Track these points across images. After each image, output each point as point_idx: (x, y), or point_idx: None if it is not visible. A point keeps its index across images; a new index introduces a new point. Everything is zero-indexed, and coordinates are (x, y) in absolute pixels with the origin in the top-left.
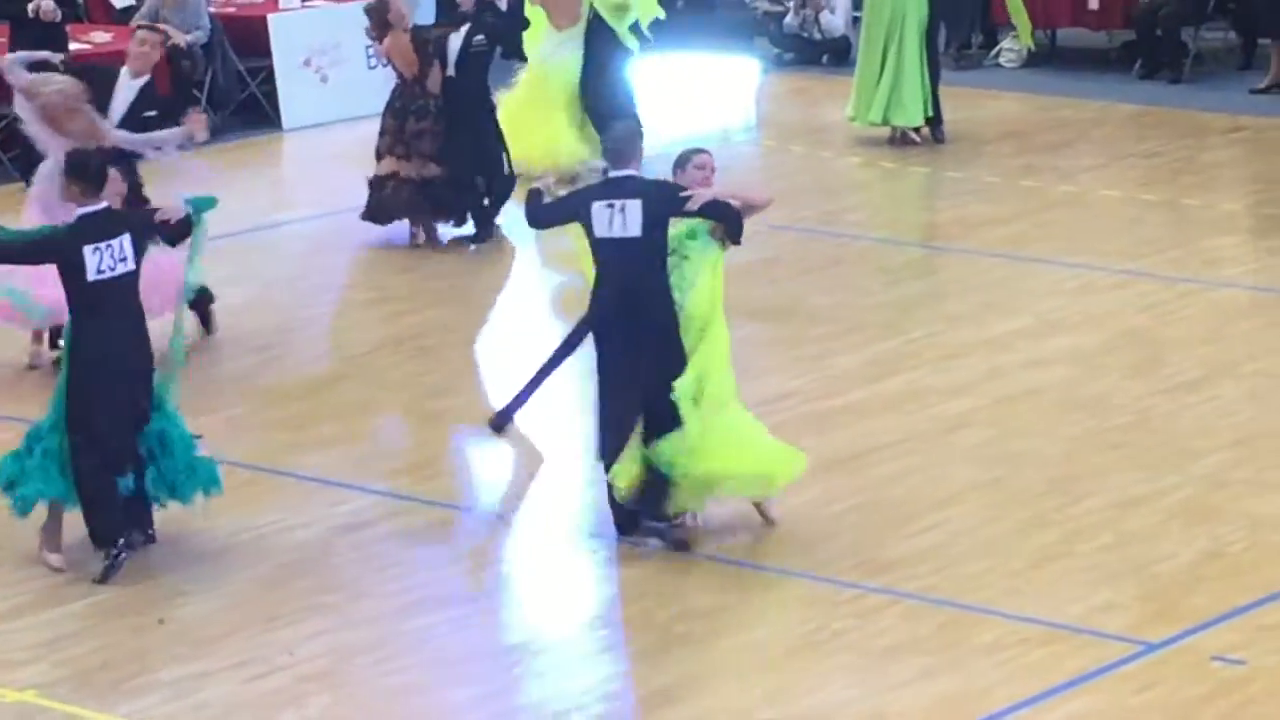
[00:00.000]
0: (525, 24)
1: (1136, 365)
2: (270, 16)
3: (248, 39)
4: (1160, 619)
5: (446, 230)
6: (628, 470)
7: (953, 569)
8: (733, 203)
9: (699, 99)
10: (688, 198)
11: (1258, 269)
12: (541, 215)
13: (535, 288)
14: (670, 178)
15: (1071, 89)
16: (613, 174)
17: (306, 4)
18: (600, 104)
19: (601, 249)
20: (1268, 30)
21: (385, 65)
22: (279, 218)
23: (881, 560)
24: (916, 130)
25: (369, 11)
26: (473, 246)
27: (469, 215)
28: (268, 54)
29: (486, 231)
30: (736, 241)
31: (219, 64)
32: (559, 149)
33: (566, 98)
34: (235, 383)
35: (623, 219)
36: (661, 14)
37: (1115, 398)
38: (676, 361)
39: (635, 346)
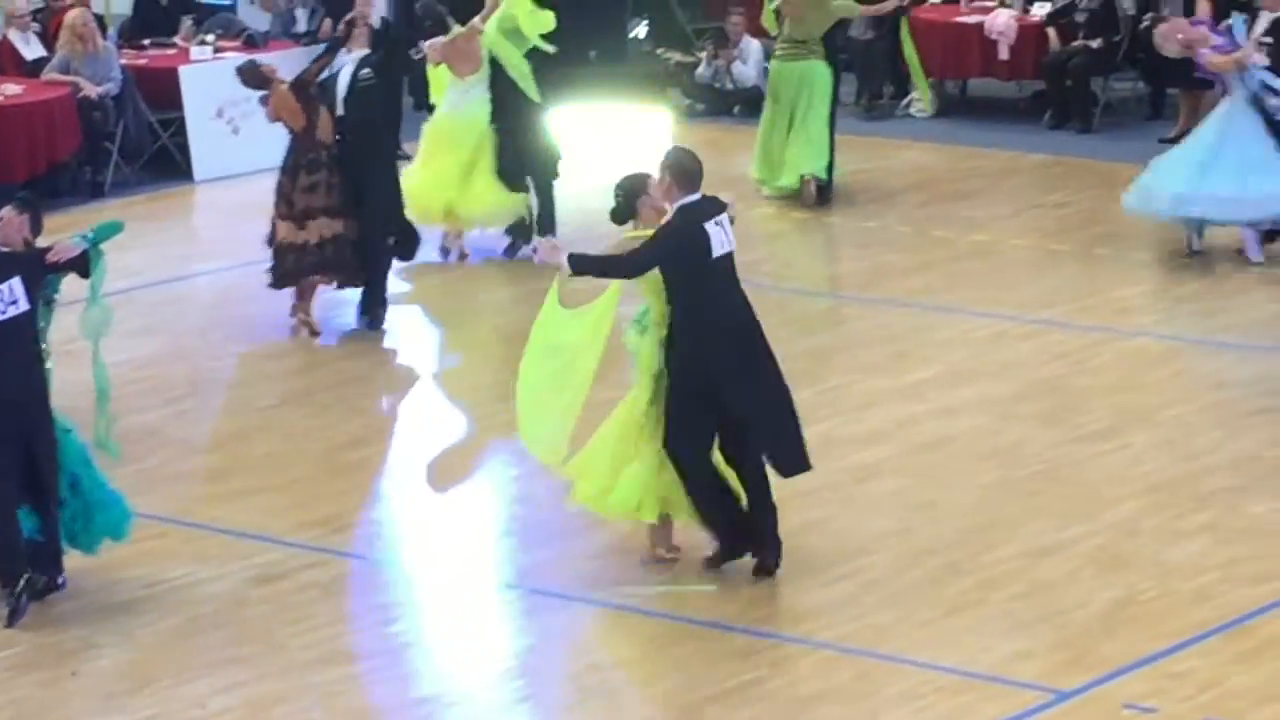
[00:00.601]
0: (415, 63)
1: (1048, 414)
2: (181, 68)
3: (159, 91)
4: (1072, 667)
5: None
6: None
7: (867, 618)
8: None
9: (611, 149)
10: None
11: (1168, 318)
12: (650, 255)
13: (445, 338)
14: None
15: (982, 139)
16: (693, 198)
17: (218, 55)
18: (510, 154)
19: (714, 269)
20: (1175, 80)
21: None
22: (190, 269)
23: (796, 610)
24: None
25: (242, 75)
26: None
27: (369, 281)
28: (179, 106)
29: (377, 319)
30: None
31: (130, 116)
32: (476, 201)
33: (477, 147)
34: (147, 434)
35: (726, 234)
36: (550, 24)
37: (1027, 447)
38: None
39: (763, 354)
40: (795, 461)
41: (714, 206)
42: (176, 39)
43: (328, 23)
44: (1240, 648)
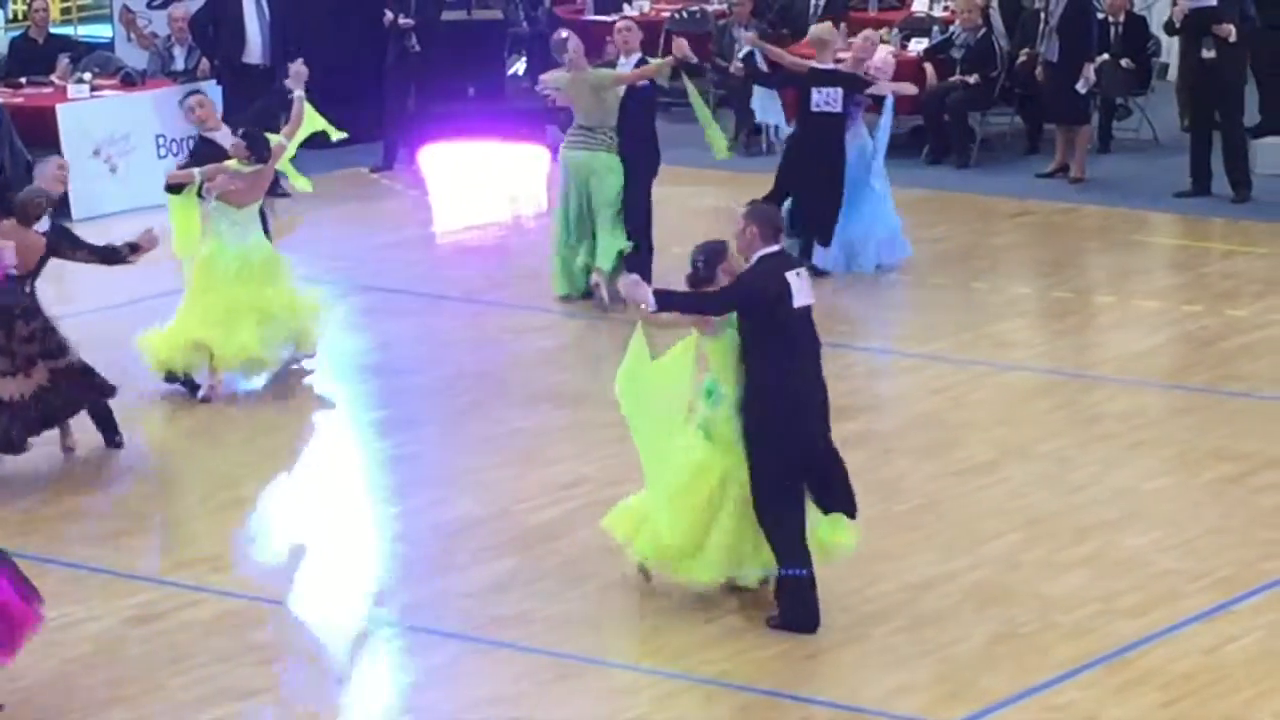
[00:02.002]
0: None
1: (928, 448)
2: (59, 106)
3: (36, 129)
4: (954, 700)
5: None
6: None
7: (749, 653)
8: None
9: (491, 186)
10: None
11: (1046, 351)
12: (735, 292)
13: (322, 378)
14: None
15: None
16: (774, 248)
17: (95, 94)
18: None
19: (795, 319)
20: (1052, 115)
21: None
22: (65, 310)
23: (677, 645)
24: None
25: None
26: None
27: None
28: (56, 144)
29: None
30: None
31: (7, 154)
32: (238, 349)
33: (257, 290)
34: (23, 475)
35: (805, 285)
36: (334, 133)
37: (907, 480)
38: None
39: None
40: (851, 503)
41: (794, 260)
42: (53, 77)
43: (205, 62)
44: (1119, 680)
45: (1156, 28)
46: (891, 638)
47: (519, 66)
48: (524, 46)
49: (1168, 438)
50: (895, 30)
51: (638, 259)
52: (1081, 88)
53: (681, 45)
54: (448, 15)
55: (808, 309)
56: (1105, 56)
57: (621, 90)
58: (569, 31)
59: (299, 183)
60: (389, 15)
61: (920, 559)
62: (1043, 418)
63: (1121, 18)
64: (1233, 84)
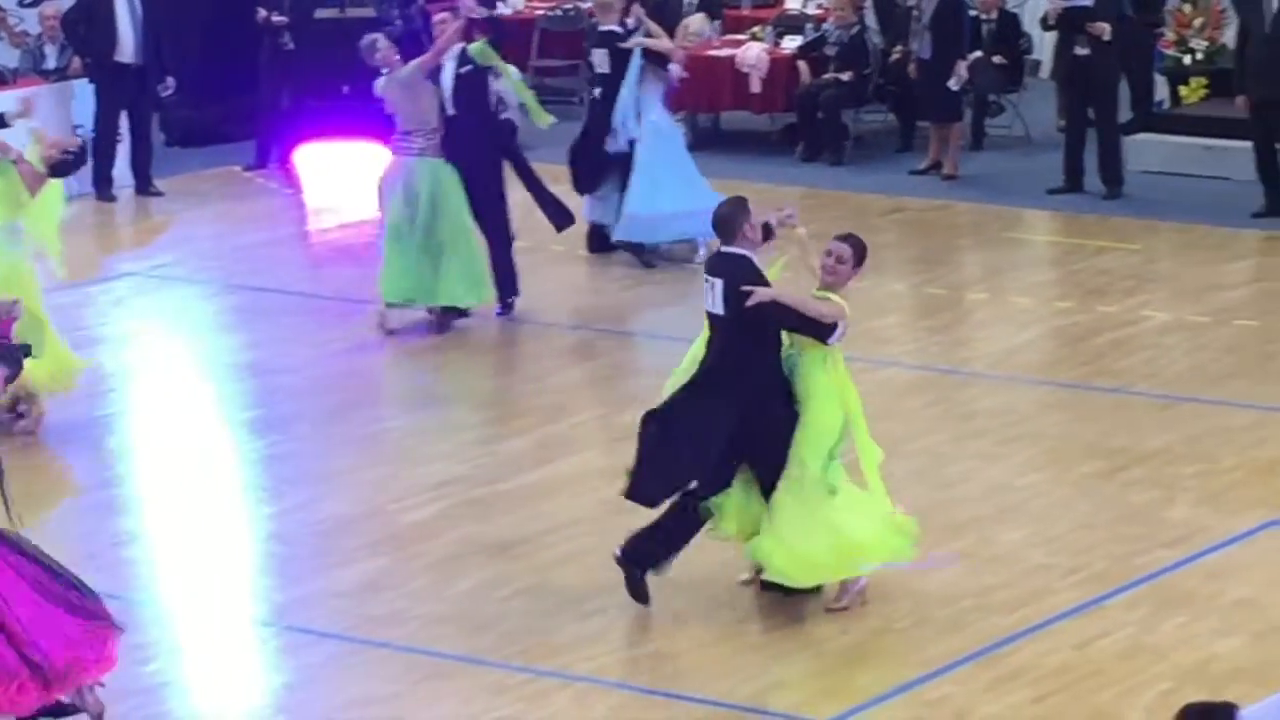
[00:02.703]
0: None
1: None
2: None
3: None
4: (828, 697)
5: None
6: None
7: (624, 651)
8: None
9: (364, 185)
10: (749, 293)
11: (920, 348)
12: None
13: (193, 375)
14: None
15: (734, 171)
16: (721, 249)
17: None
18: None
19: (708, 320)
20: (925, 113)
21: None
22: None
23: (552, 643)
24: (465, 313)
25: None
26: None
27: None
28: None
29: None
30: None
31: None
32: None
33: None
34: None
35: (712, 294)
36: (57, 248)
37: None
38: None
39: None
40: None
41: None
42: None
43: (77, 60)
44: (992, 675)
45: (1029, 25)
46: (767, 635)
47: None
48: (398, 45)
49: (1040, 434)
50: (769, 27)
51: (502, 261)
52: (954, 85)
53: (468, 1)
54: (321, 13)
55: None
56: (978, 54)
57: (447, 89)
58: (379, 35)
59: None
60: (262, 13)
61: None
62: (916, 414)
63: (994, 15)
64: (1106, 82)
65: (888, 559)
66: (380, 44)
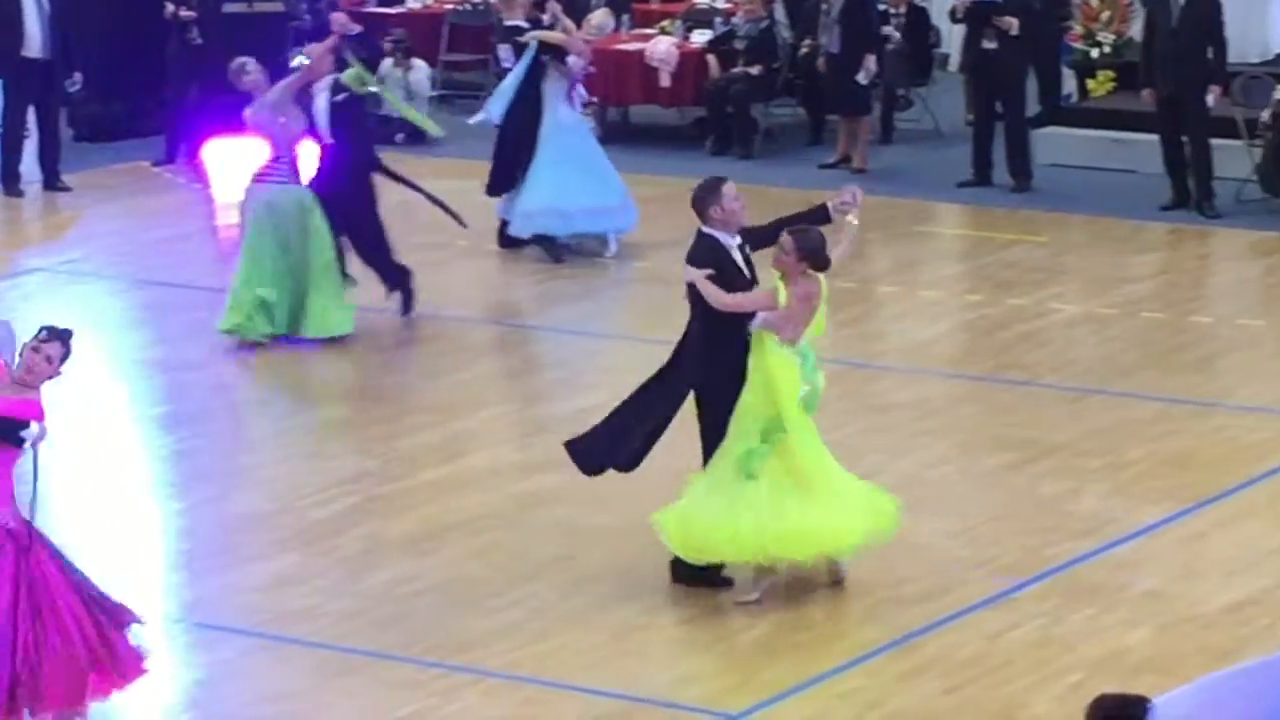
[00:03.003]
0: None
1: None
2: None
3: None
4: (740, 689)
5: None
6: None
7: (534, 645)
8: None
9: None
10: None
11: (831, 341)
12: None
13: (101, 370)
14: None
15: (644, 165)
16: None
17: None
18: None
19: None
20: (834, 107)
21: None
22: None
23: (462, 639)
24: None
25: None
26: None
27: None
28: None
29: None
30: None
31: None
32: None
33: None
34: None
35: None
36: None
37: (691, 471)
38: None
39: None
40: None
41: None
42: None
43: None
44: (904, 666)
45: (938, 18)
46: (678, 628)
47: (302, 59)
48: (307, 39)
49: (951, 426)
50: (678, 21)
51: (399, 279)
52: (863, 79)
53: (340, 19)
54: (229, 8)
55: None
56: (887, 47)
57: (322, 117)
58: (249, 59)
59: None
60: (170, 8)
61: None
62: (828, 407)
63: (903, 8)
64: (1013, 75)
65: (828, 552)
66: (250, 67)
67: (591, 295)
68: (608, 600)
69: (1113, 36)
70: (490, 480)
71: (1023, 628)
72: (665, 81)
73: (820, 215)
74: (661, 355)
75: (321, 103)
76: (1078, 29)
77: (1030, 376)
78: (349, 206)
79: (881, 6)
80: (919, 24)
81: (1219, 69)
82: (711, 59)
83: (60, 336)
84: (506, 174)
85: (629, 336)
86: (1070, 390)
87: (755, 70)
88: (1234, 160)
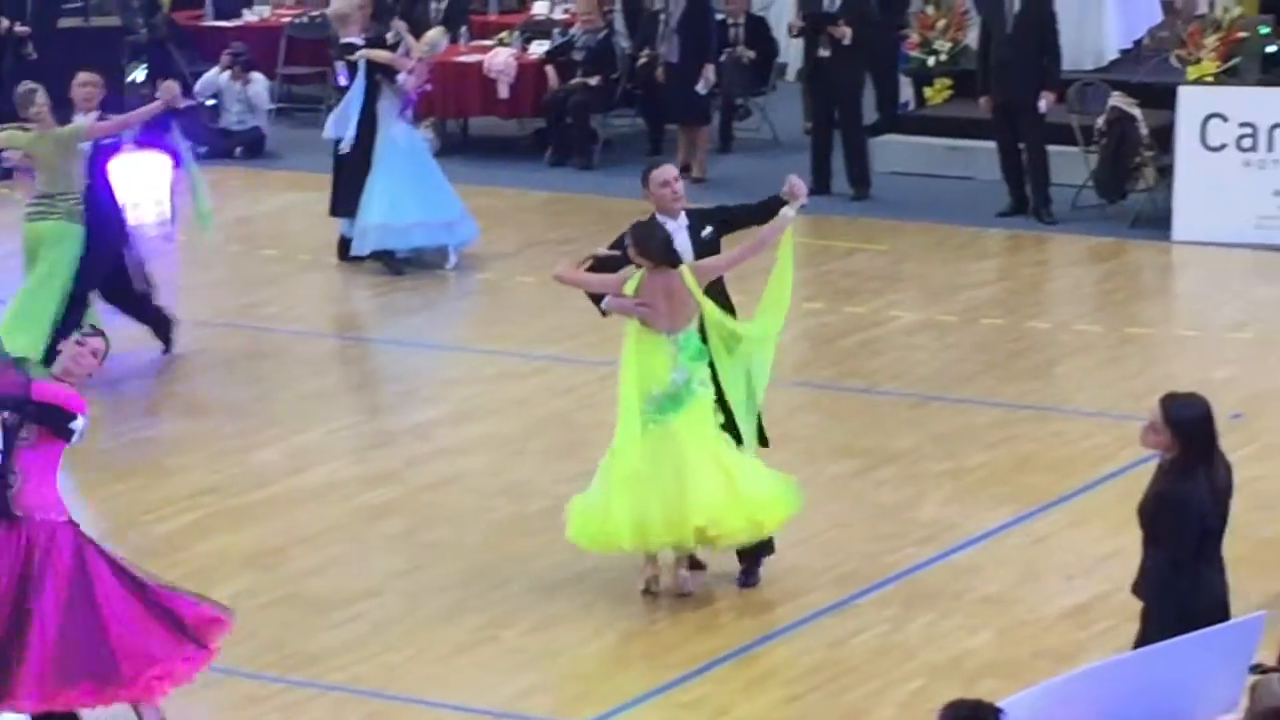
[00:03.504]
0: None
1: (556, 450)
2: None
3: None
4: (584, 700)
5: None
6: None
7: (378, 659)
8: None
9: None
10: None
11: None
12: None
13: None
14: None
15: (484, 177)
16: None
17: None
18: None
19: None
20: (673, 116)
21: None
22: None
23: (306, 653)
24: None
25: None
26: None
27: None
28: None
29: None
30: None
31: None
32: None
33: None
34: None
35: None
36: None
37: (536, 483)
38: None
39: None
40: None
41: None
42: None
43: None
44: (748, 675)
45: (777, 28)
46: (522, 639)
47: (138, 74)
48: (143, 53)
49: (791, 434)
50: (516, 33)
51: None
52: (702, 88)
53: (170, 88)
54: (64, 22)
55: None
56: (725, 56)
57: (88, 148)
58: (36, 84)
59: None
60: (3, 22)
61: (551, 560)
62: None
63: (741, 19)
64: (849, 84)
65: (657, 546)
66: (39, 97)
67: (432, 307)
68: (451, 612)
69: (949, 44)
70: (332, 494)
71: (864, 634)
72: (504, 93)
73: (776, 204)
74: (502, 365)
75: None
76: (914, 37)
77: (870, 384)
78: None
79: (720, 16)
80: (758, 33)
81: (1053, 76)
82: (550, 70)
83: (102, 334)
84: (346, 194)
85: (469, 348)
86: (910, 397)
87: (594, 81)
88: (1071, 166)
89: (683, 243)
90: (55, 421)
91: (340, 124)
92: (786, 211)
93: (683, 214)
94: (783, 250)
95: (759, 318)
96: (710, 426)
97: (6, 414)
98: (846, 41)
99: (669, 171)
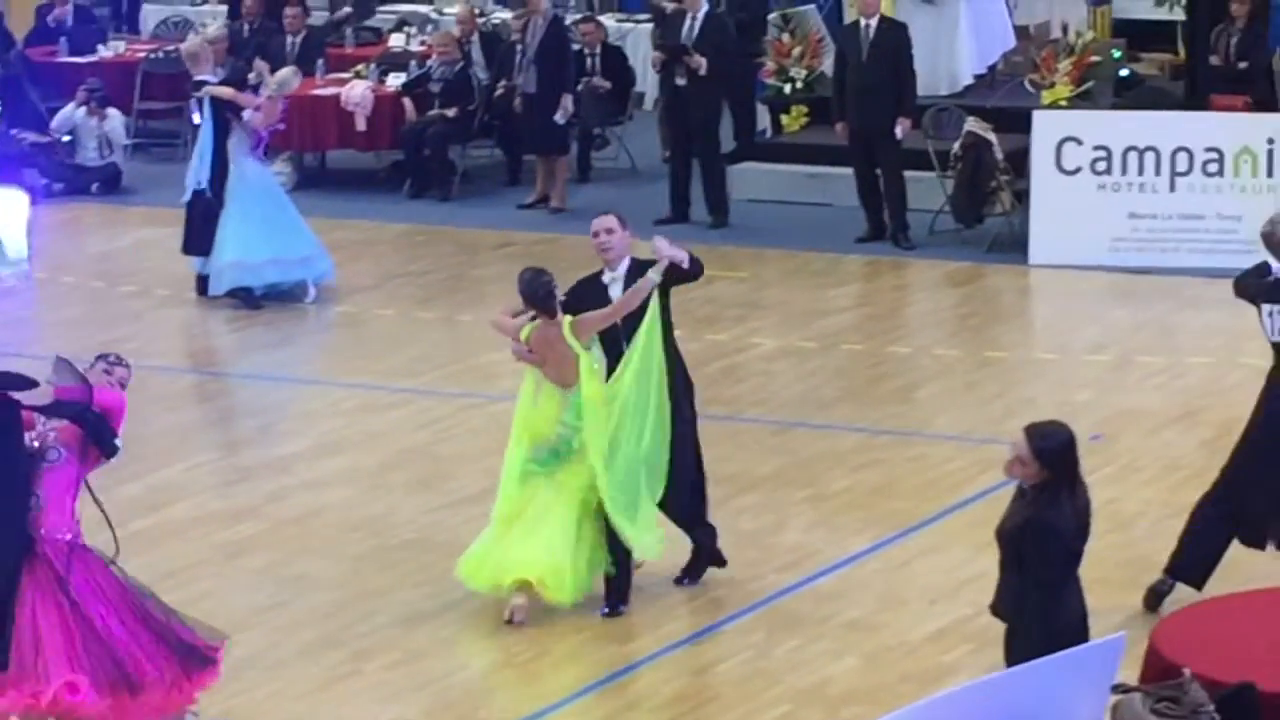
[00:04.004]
0: None
1: (418, 482)
2: None
3: None
4: None
5: None
6: None
7: (243, 694)
8: None
9: None
10: None
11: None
12: None
13: None
14: None
15: (342, 210)
16: None
17: None
18: None
19: None
20: (531, 147)
21: None
22: None
23: None
24: None
25: None
26: None
27: None
28: None
29: None
30: None
31: None
32: None
33: None
34: None
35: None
36: None
37: (398, 515)
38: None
39: None
40: None
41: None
42: None
43: None
44: (614, 704)
45: (633, 58)
46: (387, 672)
47: None
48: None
49: None
50: (373, 65)
51: None
52: (561, 118)
53: None
54: None
55: None
56: (582, 86)
57: None
58: None
59: None
60: None
61: (413, 593)
62: None
63: (597, 48)
64: (706, 113)
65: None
66: None
67: (291, 341)
68: (317, 646)
69: (805, 72)
70: (194, 530)
71: (729, 661)
72: (361, 125)
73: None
74: (362, 398)
75: None
76: (770, 65)
77: (732, 411)
78: None
79: (576, 46)
80: (614, 63)
81: (909, 102)
82: (407, 102)
83: (127, 364)
84: (199, 233)
85: (328, 381)
86: (772, 424)
87: (451, 112)
88: (927, 192)
89: (617, 295)
90: (105, 434)
91: (198, 171)
92: (651, 274)
93: (625, 264)
94: (647, 321)
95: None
96: (579, 489)
97: (42, 429)
98: (703, 72)
99: (601, 222)
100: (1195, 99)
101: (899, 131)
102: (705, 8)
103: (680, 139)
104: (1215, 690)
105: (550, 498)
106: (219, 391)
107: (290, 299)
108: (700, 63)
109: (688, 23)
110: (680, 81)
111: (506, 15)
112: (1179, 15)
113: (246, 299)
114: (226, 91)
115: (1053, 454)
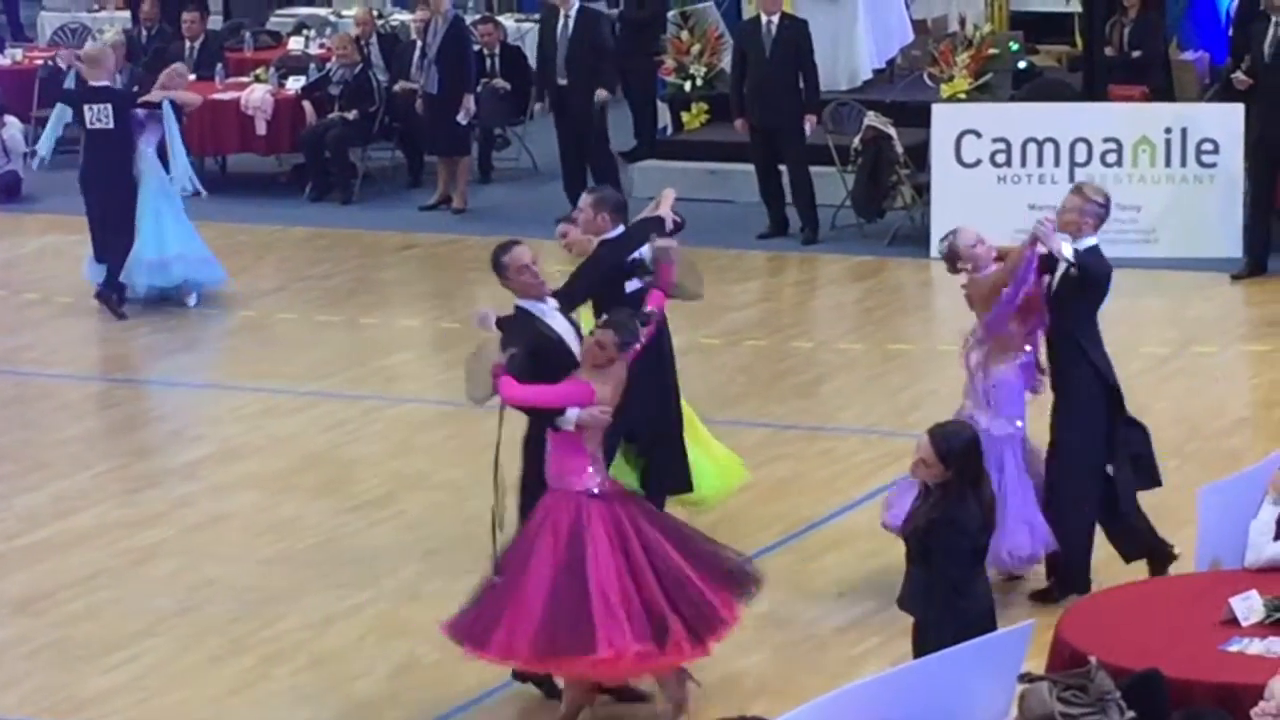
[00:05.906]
0: None
1: (323, 485)
2: None
3: None
4: None
5: None
6: None
7: (151, 701)
8: None
9: None
10: None
11: (438, 383)
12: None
13: None
14: None
15: (244, 214)
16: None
17: None
18: None
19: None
20: (433, 148)
21: None
22: None
23: (78, 698)
24: None
25: None
26: None
27: None
28: None
29: None
30: None
31: None
32: None
33: None
34: None
35: None
36: None
37: (304, 519)
38: None
39: None
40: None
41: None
42: None
43: None
44: (520, 705)
45: (532, 57)
46: (294, 677)
47: None
48: None
49: None
50: (272, 69)
51: None
52: (463, 118)
53: None
54: None
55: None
56: (482, 87)
57: None
58: None
59: None
60: None
61: (320, 597)
62: (436, 448)
63: (496, 49)
64: (589, 111)
65: None
66: None
67: (195, 347)
68: (225, 652)
69: (704, 69)
70: (101, 536)
71: None
72: (261, 129)
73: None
74: (266, 402)
75: None
76: (669, 63)
77: None
78: None
79: (476, 46)
80: (513, 63)
81: (813, 98)
82: (307, 105)
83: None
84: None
85: (234, 386)
86: None
87: (352, 115)
88: (829, 187)
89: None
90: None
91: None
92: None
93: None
94: None
95: None
96: None
97: None
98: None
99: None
100: (1094, 90)
101: (807, 128)
102: (576, 5)
103: (569, 138)
104: (1121, 677)
105: None
106: (124, 398)
107: (177, 301)
108: (605, 97)
109: (561, 21)
110: (562, 81)
111: (405, 16)
112: (1075, 7)
113: (112, 306)
114: (186, 96)
115: (956, 454)
